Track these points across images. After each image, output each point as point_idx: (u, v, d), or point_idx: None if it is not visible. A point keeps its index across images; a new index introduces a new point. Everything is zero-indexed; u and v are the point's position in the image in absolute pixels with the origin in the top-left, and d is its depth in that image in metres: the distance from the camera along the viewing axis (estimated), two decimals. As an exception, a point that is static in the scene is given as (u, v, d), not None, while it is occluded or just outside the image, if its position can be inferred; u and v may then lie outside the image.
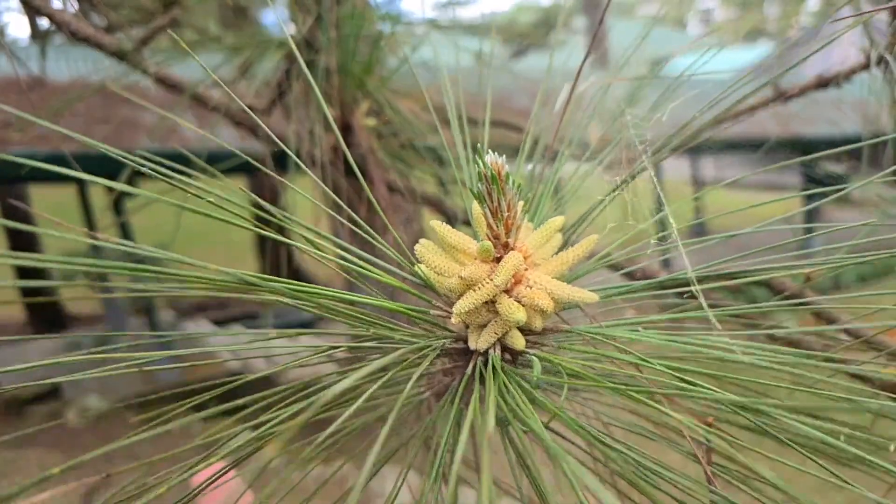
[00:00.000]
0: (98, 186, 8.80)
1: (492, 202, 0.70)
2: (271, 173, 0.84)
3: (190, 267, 0.67)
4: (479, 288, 0.70)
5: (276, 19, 1.90)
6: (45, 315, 10.81)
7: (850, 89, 1.54)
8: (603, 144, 0.86)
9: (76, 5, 1.78)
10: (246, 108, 0.76)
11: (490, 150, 0.70)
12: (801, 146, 9.29)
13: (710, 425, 0.66)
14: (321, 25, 1.53)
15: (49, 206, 11.72)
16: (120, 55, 1.51)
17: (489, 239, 0.73)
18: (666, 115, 0.76)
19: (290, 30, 1.75)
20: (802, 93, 1.54)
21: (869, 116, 1.39)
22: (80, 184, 8.68)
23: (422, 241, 0.76)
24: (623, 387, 0.61)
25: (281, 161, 1.69)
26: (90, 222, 9.83)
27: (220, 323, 9.73)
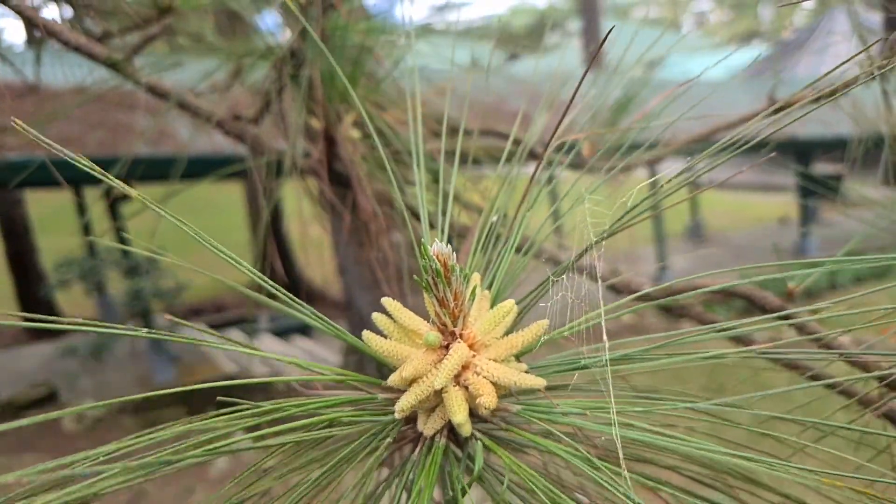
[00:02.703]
0: (94, 190, 8.79)
1: (437, 293, 0.70)
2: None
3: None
4: (423, 382, 0.71)
5: (269, 28, 1.89)
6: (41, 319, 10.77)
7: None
8: (594, 151, 0.86)
9: (70, 13, 1.78)
10: (231, 117, 0.77)
11: (438, 239, 0.70)
12: (794, 147, 9.32)
13: None
14: (307, 36, 1.53)
15: (45, 210, 11.71)
16: (111, 64, 1.51)
17: (437, 326, 0.73)
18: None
19: (284, 37, 1.74)
20: (797, 104, 1.55)
21: (862, 118, 1.40)
22: (76, 188, 8.66)
23: (375, 315, 0.76)
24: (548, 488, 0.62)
25: (271, 169, 1.69)
26: (86, 226, 9.81)
27: (216, 327, 9.72)
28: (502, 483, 0.71)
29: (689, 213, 15.85)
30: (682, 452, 0.61)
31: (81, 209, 9.62)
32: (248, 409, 0.67)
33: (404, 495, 0.70)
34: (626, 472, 0.58)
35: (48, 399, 7.76)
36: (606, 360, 0.64)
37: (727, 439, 0.68)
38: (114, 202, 7.93)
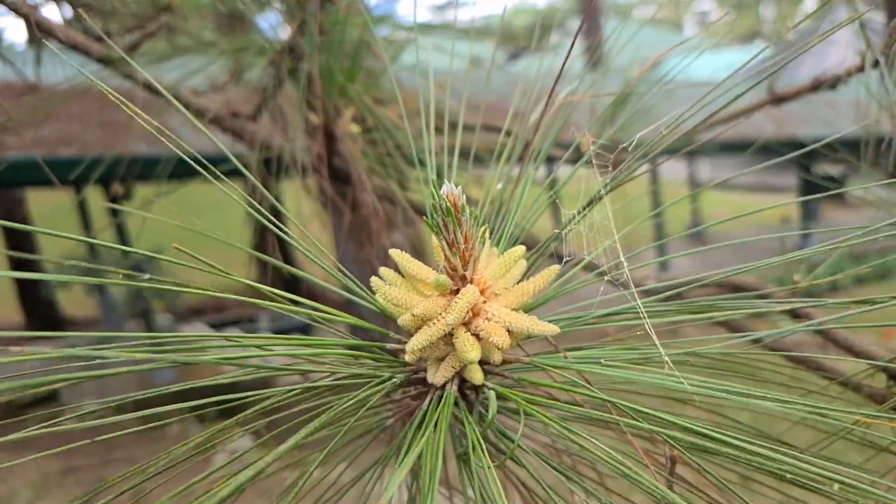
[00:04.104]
0: (95, 189, 8.79)
1: (448, 234, 0.69)
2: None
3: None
4: (434, 324, 0.69)
5: (267, 25, 1.89)
6: (42, 318, 10.78)
7: (844, 90, 1.55)
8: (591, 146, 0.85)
9: (70, 11, 1.78)
10: (223, 114, 0.76)
11: (448, 180, 0.69)
12: (797, 147, 9.29)
13: (674, 460, 0.65)
14: (305, 31, 1.52)
15: (46, 208, 11.71)
16: (108, 62, 1.50)
17: (447, 271, 0.71)
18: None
19: (285, 35, 1.74)
20: (797, 95, 1.54)
21: (864, 117, 1.39)
22: (77, 187, 8.66)
23: (382, 269, 0.75)
24: (564, 433, 0.61)
25: (269, 166, 1.68)
26: (87, 225, 9.82)
27: (216, 326, 9.71)
28: (512, 441, 0.70)
29: (689, 213, 15.83)
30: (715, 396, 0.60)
31: (82, 209, 9.63)
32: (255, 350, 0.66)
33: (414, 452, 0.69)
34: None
35: (49, 399, 7.75)
36: (638, 303, 0.63)
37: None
38: (115, 200, 7.92)
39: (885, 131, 1.30)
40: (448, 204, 0.67)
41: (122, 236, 9.16)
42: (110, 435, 0.66)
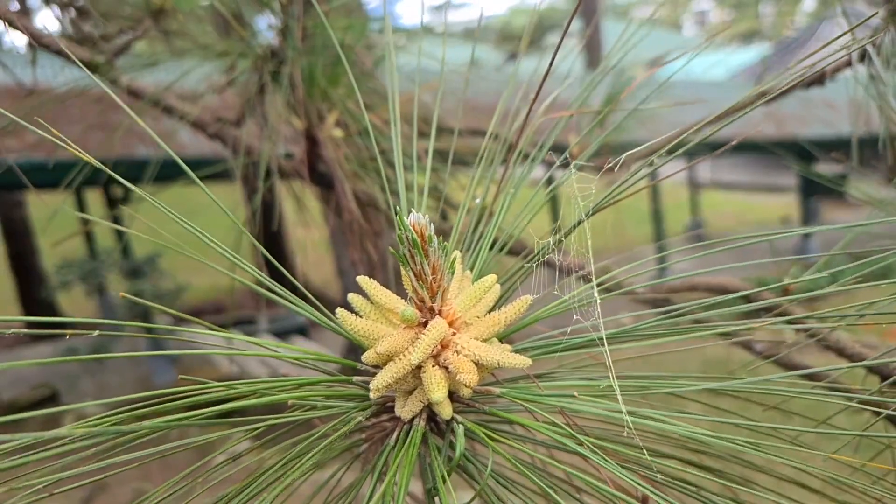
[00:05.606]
0: (94, 192, 8.78)
1: (415, 265, 0.66)
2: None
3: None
4: (399, 360, 0.67)
5: (262, 29, 1.88)
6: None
7: (844, 90, 1.54)
8: (581, 150, 0.85)
9: (66, 16, 1.78)
10: (210, 119, 0.76)
11: (413, 209, 0.67)
12: (795, 147, 9.30)
13: (645, 500, 0.65)
14: (287, 35, 1.51)
15: (45, 211, 11.70)
16: (92, 67, 1.50)
17: (415, 302, 0.69)
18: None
19: (273, 39, 1.73)
20: (786, 92, 1.53)
21: (861, 116, 1.39)
22: (76, 189, 8.66)
23: (351, 296, 0.73)
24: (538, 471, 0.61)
25: (255, 170, 1.68)
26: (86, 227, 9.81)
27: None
28: (484, 471, 0.69)
29: (689, 213, 15.81)
30: (682, 434, 0.60)
31: (82, 210, 9.62)
32: (216, 390, 0.65)
33: (380, 485, 0.68)
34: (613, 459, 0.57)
35: (49, 400, 7.75)
36: (603, 337, 0.63)
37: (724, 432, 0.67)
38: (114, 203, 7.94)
39: (876, 127, 1.30)
40: (414, 235, 0.64)
41: (122, 238, 9.15)
42: (112, 451, 0.66)
